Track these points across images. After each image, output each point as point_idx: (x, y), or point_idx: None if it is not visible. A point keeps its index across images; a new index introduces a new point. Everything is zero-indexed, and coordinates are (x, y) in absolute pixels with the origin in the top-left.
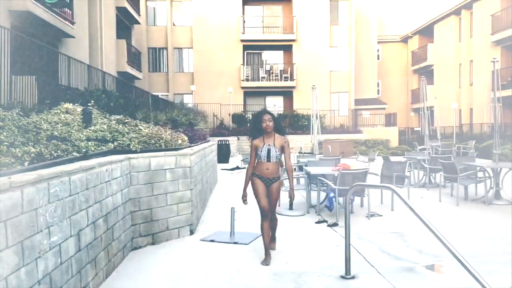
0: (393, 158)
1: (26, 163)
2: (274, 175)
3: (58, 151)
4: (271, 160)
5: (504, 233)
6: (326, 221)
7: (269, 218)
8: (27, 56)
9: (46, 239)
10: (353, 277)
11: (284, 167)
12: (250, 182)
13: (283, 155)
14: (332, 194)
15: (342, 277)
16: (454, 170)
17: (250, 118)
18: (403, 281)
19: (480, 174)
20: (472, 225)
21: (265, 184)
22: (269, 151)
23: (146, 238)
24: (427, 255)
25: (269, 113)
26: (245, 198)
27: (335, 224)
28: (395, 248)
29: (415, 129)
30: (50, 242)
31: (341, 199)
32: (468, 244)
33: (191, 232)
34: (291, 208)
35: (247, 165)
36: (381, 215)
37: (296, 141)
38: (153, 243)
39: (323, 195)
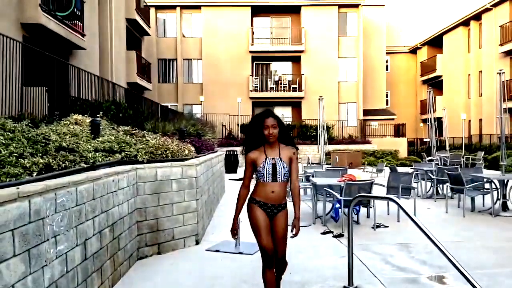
0: (401, 169)
1: (35, 174)
2: (281, 201)
3: (66, 162)
4: (279, 179)
5: (510, 245)
6: (332, 232)
7: (274, 265)
8: (38, 68)
9: (53, 248)
10: None
11: (288, 188)
12: (248, 211)
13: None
14: (338, 205)
15: (345, 287)
16: (461, 181)
17: (246, 123)
18: None
19: (487, 186)
20: (478, 237)
21: (268, 214)
22: (274, 166)
23: (152, 248)
24: (431, 266)
25: (273, 115)
26: (235, 232)
27: (341, 235)
28: (399, 259)
29: (424, 139)
30: (56, 251)
31: (347, 210)
32: (474, 256)
33: (197, 242)
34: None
35: (240, 186)
36: (387, 226)
37: (305, 152)
38: (159, 253)
39: (329, 205)
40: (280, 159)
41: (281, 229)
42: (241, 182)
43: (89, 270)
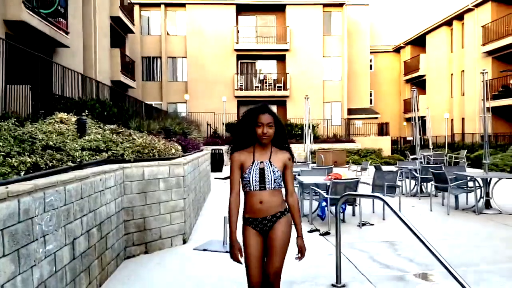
0: (385, 168)
1: (22, 173)
2: (276, 210)
3: (54, 160)
4: (268, 186)
5: (494, 242)
6: (318, 230)
7: None
8: (22, 66)
9: (42, 247)
10: (343, 286)
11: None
12: (242, 233)
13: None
14: (324, 203)
15: (333, 285)
16: (445, 179)
17: (236, 120)
18: None
19: (470, 184)
20: (462, 234)
21: (260, 232)
22: (262, 172)
23: (139, 247)
24: (417, 263)
25: (270, 112)
26: (236, 252)
27: (327, 233)
28: (385, 257)
29: (408, 138)
30: (45, 251)
31: (333, 208)
32: (458, 253)
33: (184, 241)
34: None
35: (229, 195)
36: (373, 224)
37: None
38: (146, 252)
39: (315, 204)
40: (270, 163)
41: (277, 242)
42: (227, 182)
43: (77, 269)
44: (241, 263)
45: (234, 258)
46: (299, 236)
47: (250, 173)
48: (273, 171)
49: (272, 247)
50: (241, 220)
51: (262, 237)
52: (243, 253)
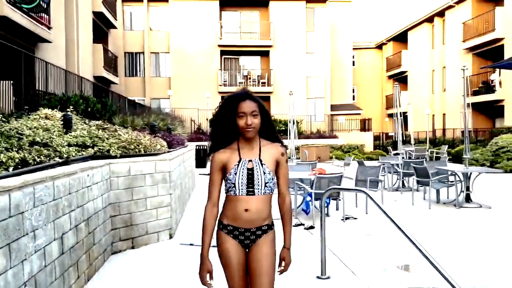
0: (367, 163)
1: (11, 169)
2: (261, 222)
3: (41, 156)
4: (257, 191)
5: (473, 235)
6: (303, 224)
7: None
8: (3, 61)
9: (32, 242)
10: (328, 278)
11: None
12: (216, 241)
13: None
14: (308, 198)
15: (318, 277)
16: (426, 174)
17: (214, 112)
18: (376, 281)
19: (451, 178)
20: (443, 227)
21: (243, 245)
22: (251, 173)
23: (126, 242)
24: (400, 256)
25: (252, 98)
26: (205, 275)
27: (312, 227)
28: (368, 250)
29: (390, 134)
30: (35, 245)
31: (317, 203)
32: (439, 245)
33: (170, 236)
34: None
35: (205, 206)
36: (356, 218)
37: None
38: (133, 247)
39: (300, 199)
40: (260, 161)
41: (262, 265)
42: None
43: (66, 264)
44: (209, 285)
45: (202, 281)
46: (286, 247)
47: (235, 174)
48: (264, 173)
49: (258, 272)
50: (216, 225)
51: (245, 253)
52: (222, 264)
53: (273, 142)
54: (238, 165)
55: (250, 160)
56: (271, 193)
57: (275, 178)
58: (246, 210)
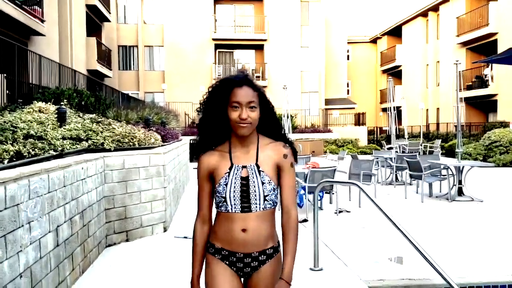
0: (361, 157)
1: (6, 161)
2: (262, 245)
3: (36, 149)
4: (254, 207)
5: (465, 228)
6: None
7: None
8: None
9: (27, 234)
10: (321, 269)
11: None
12: (206, 266)
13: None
14: (302, 191)
15: (310, 269)
16: (419, 168)
17: (201, 100)
18: (368, 272)
19: (444, 172)
20: (435, 220)
21: (241, 274)
22: (246, 183)
23: (120, 235)
24: (392, 248)
25: (249, 83)
26: None
27: (305, 220)
28: (361, 242)
29: (384, 128)
30: (30, 237)
31: (310, 196)
32: (432, 238)
33: (165, 229)
34: None
35: (195, 221)
36: (349, 211)
37: None
38: (127, 240)
39: None
40: (258, 167)
41: None
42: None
43: (61, 256)
44: None
45: None
46: (285, 280)
47: (226, 185)
48: (263, 183)
49: None
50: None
51: (242, 284)
52: None
53: (276, 141)
54: (229, 173)
55: (245, 167)
56: (274, 206)
57: (278, 188)
58: (243, 230)
